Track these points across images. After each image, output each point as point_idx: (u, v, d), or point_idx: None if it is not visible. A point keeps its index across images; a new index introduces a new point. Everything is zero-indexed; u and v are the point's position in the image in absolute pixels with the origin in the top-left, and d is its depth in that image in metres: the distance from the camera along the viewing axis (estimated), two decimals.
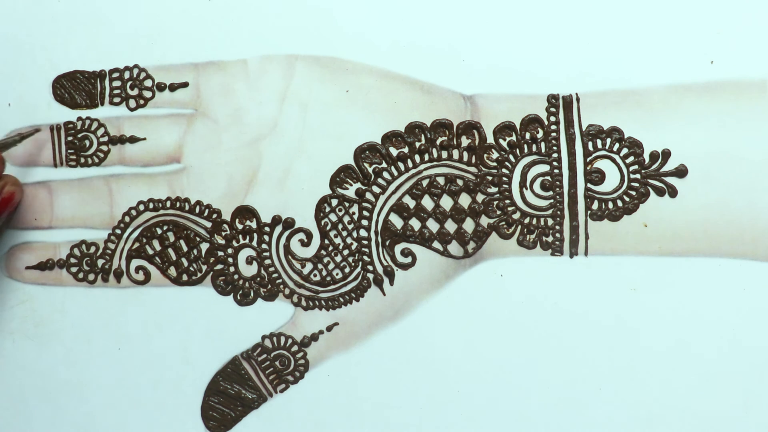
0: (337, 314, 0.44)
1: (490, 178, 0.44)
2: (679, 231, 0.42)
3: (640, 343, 0.43)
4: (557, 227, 0.43)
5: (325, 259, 0.44)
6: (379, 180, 0.44)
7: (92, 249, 0.45)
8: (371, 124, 0.44)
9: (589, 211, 0.43)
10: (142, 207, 0.45)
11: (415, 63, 0.44)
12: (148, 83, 0.45)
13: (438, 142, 0.44)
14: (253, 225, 0.44)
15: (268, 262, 0.44)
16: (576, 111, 0.43)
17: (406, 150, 0.44)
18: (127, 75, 0.45)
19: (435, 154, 0.44)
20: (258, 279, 0.44)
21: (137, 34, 0.45)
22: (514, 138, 0.43)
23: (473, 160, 0.44)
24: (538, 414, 0.44)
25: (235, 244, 0.44)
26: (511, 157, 0.43)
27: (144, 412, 0.45)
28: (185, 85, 0.45)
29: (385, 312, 0.44)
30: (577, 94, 0.43)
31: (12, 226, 0.45)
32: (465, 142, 0.44)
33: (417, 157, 0.44)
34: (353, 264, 0.44)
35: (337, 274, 0.44)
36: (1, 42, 0.45)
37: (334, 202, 0.44)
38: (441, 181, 0.44)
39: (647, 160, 0.43)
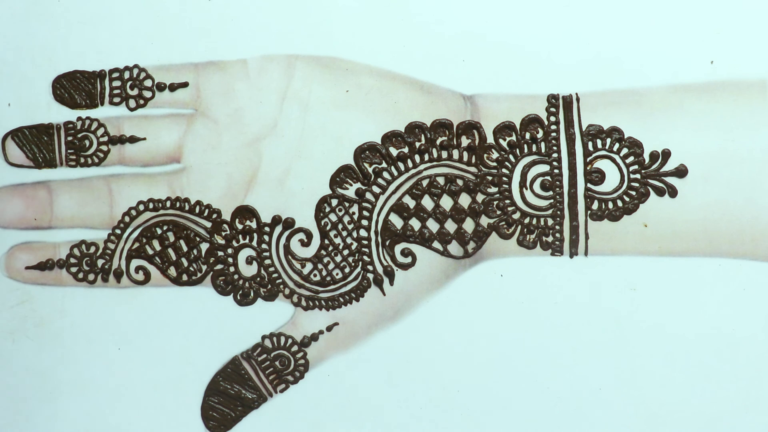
0: (337, 314, 0.44)
1: (490, 178, 0.43)
2: (679, 231, 0.42)
3: (640, 343, 0.43)
4: (557, 227, 0.43)
5: (325, 259, 0.44)
6: (379, 180, 0.44)
7: (92, 249, 0.45)
8: (371, 124, 0.44)
9: (589, 211, 0.43)
10: (142, 207, 0.45)
11: (415, 63, 0.44)
12: (148, 83, 0.45)
13: (438, 142, 0.44)
14: (253, 225, 0.44)
15: (268, 262, 0.44)
16: (576, 111, 0.43)
17: (406, 150, 0.44)
18: (127, 75, 0.45)
19: (435, 154, 0.44)
20: (258, 279, 0.44)
21: (137, 34, 0.45)
22: (514, 138, 0.43)
23: (473, 160, 0.44)
24: (538, 414, 0.44)
25: (235, 244, 0.44)
26: (511, 157, 0.43)
27: (144, 412, 0.45)
28: (185, 85, 0.45)
29: (385, 312, 0.44)
30: (577, 94, 0.43)
31: (12, 226, 0.45)
32: (465, 142, 0.44)
33: (417, 157, 0.44)
34: (353, 264, 0.44)
35: (337, 274, 0.44)
36: (1, 42, 0.45)
37: (334, 202, 0.44)
38: (441, 181, 0.44)
39: (647, 160, 0.43)
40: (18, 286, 0.45)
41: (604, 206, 0.43)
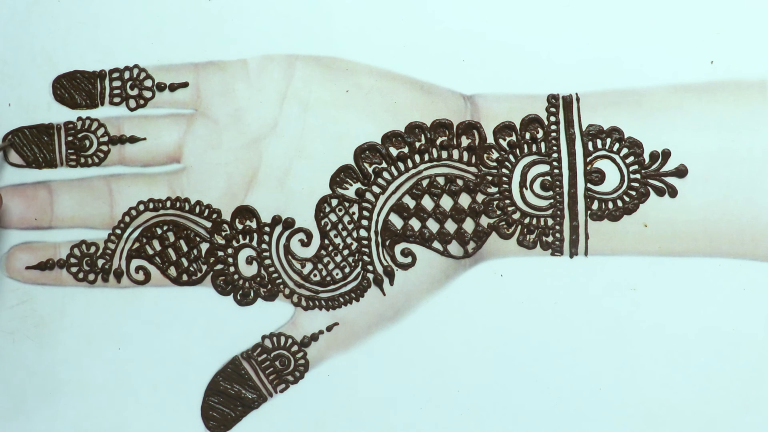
0: (337, 314, 0.44)
1: (490, 178, 0.44)
2: (679, 231, 0.42)
3: (640, 343, 0.43)
4: (557, 227, 0.43)
5: (325, 259, 0.44)
6: (379, 180, 0.44)
7: (92, 249, 0.45)
8: (371, 124, 0.44)
9: (589, 211, 0.43)
10: (142, 207, 0.45)
11: (415, 63, 0.44)
12: (148, 83, 0.45)
13: (438, 142, 0.44)
14: (253, 225, 0.44)
15: (268, 262, 0.44)
16: (576, 111, 0.43)
17: (406, 150, 0.44)
18: (127, 75, 0.45)
19: (435, 154, 0.44)
20: (258, 279, 0.44)
21: (137, 34, 0.45)
22: (514, 138, 0.43)
23: (473, 160, 0.44)
24: (538, 414, 0.44)
25: (235, 244, 0.44)
26: (511, 157, 0.43)
27: (144, 412, 0.45)
28: (185, 85, 0.45)
29: (385, 312, 0.44)
30: (577, 94, 0.43)
31: (12, 226, 0.45)
32: (465, 142, 0.44)
33: (417, 157, 0.44)
34: (353, 264, 0.44)
35: (337, 274, 0.44)
36: (1, 42, 0.45)
37: (334, 202, 0.44)
38: (441, 181, 0.44)
39: (647, 160, 0.43)
40: (18, 286, 0.45)
41: (604, 206, 0.43)
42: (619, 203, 0.43)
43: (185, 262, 0.45)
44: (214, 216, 0.44)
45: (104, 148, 0.45)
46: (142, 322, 0.45)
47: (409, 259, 0.44)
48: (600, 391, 0.43)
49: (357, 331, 0.44)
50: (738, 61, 0.43)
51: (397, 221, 0.44)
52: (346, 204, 0.44)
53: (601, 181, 0.43)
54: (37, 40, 0.45)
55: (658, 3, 0.43)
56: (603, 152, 0.43)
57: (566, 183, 0.43)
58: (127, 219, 0.45)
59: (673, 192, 0.42)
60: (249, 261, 0.44)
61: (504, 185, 0.43)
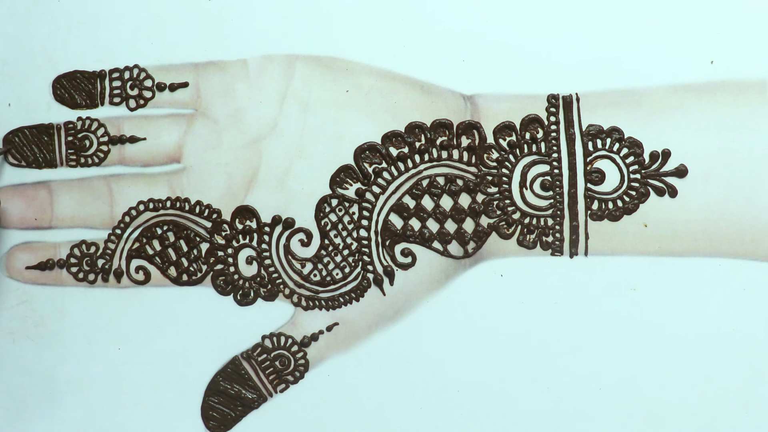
0: (337, 314, 0.44)
1: (490, 178, 0.44)
2: (679, 231, 0.42)
3: (639, 343, 0.43)
4: (557, 227, 0.43)
5: (325, 259, 0.44)
6: (379, 180, 0.44)
7: (92, 249, 0.45)
8: (371, 124, 0.44)
9: (589, 211, 0.43)
10: (142, 207, 0.45)
11: (415, 63, 0.44)
12: (148, 83, 0.45)
13: (438, 142, 0.44)
14: (253, 225, 0.44)
15: (268, 262, 0.44)
16: (576, 111, 0.43)
17: (406, 150, 0.44)
18: (127, 75, 0.45)
19: (435, 154, 0.44)
20: (258, 279, 0.44)
21: (137, 34, 0.45)
22: (514, 138, 0.43)
23: (473, 160, 0.44)
24: (538, 414, 0.44)
25: (235, 244, 0.44)
26: (511, 157, 0.43)
27: (144, 412, 0.45)
28: (185, 85, 0.45)
29: (385, 312, 0.44)
30: (577, 94, 0.43)
31: (12, 226, 0.45)
32: (465, 142, 0.44)
33: (417, 157, 0.44)
34: (353, 264, 0.44)
35: (337, 274, 0.44)
36: (1, 42, 0.45)
37: (334, 202, 0.44)
38: (441, 181, 0.44)
39: (647, 160, 0.43)
40: (18, 286, 0.45)
41: (604, 206, 0.43)
42: (619, 203, 0.43)
43: (185, 262, 0.45)
44: (214, 216, 0.44)
45: (104, 148, 0.45)
46: (142, 322, 0.45)
47: (409, 259, 0.44)
48: (600, 391, 0.43)
49: (357, 331, 0.44)
50: (738, 61, 0.43)
51: (397, 221, 0.44)
52: (346, 204, 0.44)
53: (601, 181, 0.43)
54: (37, 40, 0.45)
55: (658, 3, 0.43)
56: (603, 152, 0.43)
57: (566, 183, 0.43)
58: (127, 219, 0.45)
59: (673, 192, 0.42)
60: (249, 261, 0.44)
61: (504, 185, 0.43)
